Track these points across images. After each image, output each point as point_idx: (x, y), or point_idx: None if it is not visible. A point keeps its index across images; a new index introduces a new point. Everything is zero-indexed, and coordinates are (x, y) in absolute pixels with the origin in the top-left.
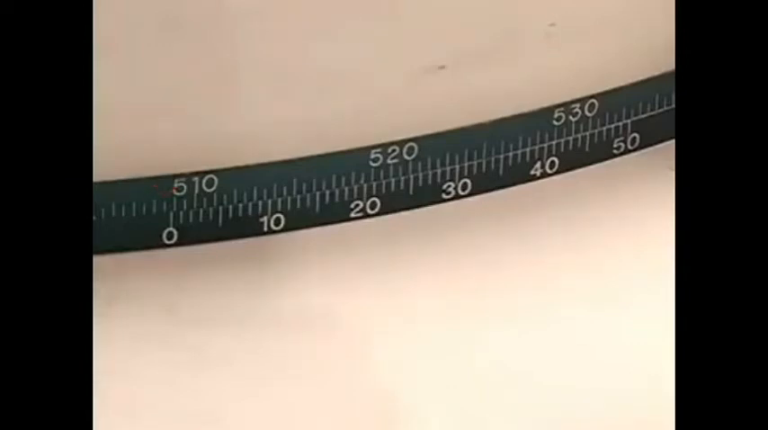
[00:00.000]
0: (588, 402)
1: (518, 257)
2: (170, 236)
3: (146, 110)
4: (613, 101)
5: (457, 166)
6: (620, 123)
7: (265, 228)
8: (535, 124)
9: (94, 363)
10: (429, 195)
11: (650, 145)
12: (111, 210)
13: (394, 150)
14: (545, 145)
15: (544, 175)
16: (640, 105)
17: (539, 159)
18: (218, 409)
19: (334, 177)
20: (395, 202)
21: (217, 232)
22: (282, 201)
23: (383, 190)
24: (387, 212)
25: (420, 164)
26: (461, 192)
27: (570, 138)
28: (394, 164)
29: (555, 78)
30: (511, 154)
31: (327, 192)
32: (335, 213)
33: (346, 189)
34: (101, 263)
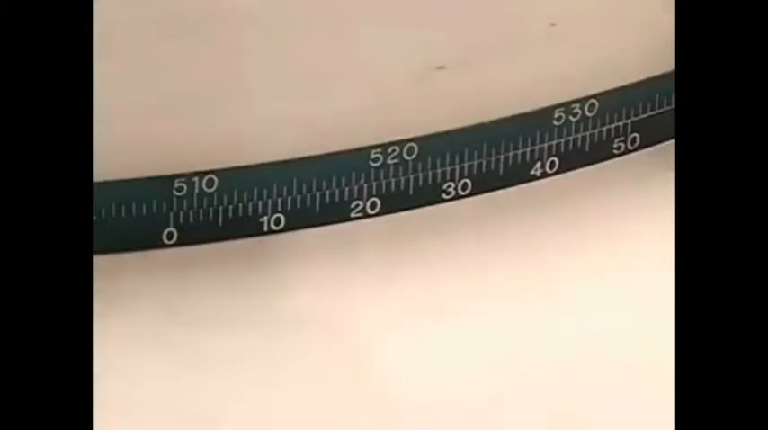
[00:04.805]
0: (589, 401)
1: (518, 257)
2: (170, 236)
3: (146, 110)
4: (613, 101)
5: (457, 166)
6: (620, 123)
7: (265, 228)
8: (535, 124)
9: (94, 363)
10: (429, 195)
11: (650, 145)
12: (111, 210)
13: (394, 150)
14: (545, 145)
15: (544, 175)
16: (640, 105)
17: (539, 159)
18: (218, 409)
19: (334, 177)
20: (395, 202)
21: (217, 232)
22: (282, 201)
23: (383, 190)
24: (387, 212)
25: (420, 164)
26: (461, 192)
27: (570, 138)
28: (394, 164)
29: (555, 78)
30: (511, 154)
31: (327, 192)
32: (335, 213)
33: (346, 189)
34: (101, 263)
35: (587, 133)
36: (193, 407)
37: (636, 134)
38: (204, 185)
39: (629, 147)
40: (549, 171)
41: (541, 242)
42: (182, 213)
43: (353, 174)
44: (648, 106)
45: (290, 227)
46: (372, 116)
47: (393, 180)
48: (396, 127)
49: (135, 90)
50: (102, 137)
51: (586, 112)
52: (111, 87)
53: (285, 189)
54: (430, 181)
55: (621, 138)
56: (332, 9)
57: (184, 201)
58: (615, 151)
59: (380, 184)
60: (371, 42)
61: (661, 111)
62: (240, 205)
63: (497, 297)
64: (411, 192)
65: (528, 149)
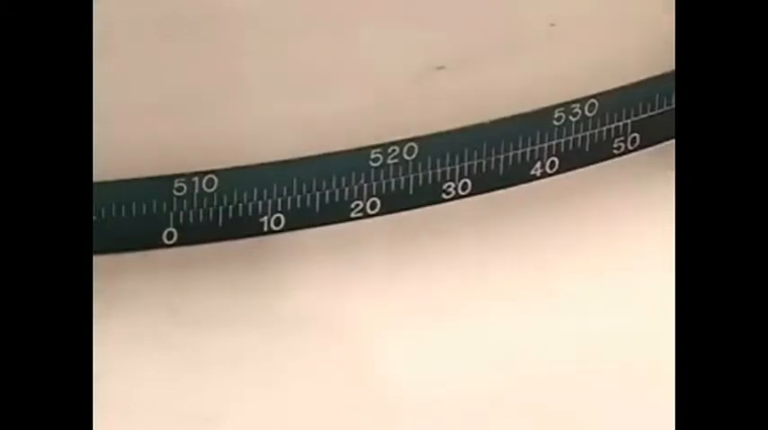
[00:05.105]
0: (589, 401)
1: (518, 257)
2: (170, 236)
3: (146, 110)
4: (613, 101)
5: (457, 166)
6: (620, 123)
7: (265, 228)
8: (535, 124)
9: (94, 363)
10: (429, 195)
11: (650, 145)
12: (111, 210)
13: (394, 150)
14: (545, 145)
15: (544, 175)
16: (640, 105)
17: (539, 159)
18: (218, 409)
19: (334, 177)
20: (395, 202)
21: (217, 232)
22: (282, 201)
23: (383, 190)
24: (387, 212)
25: (420, 164)
26: (461, 192)
27: (570, 138)
28: (394, 164)
29: (555, 78)
30: (511, 154)
31: (327, 192)
32: (335, 213)
33: (346, 189)
34: (101, 263)
35: (587, 133)
36: (193, 407)
37: (636, 134)
38: (204, 185)
39: (629, 147)
40: (549, 171)
41: (541, 242)
42: (182, 213)
43: (353, 174)
44: (648, 106)
45: (290, 227)
46: (372, 116)
47: (393, 180)
48: (396, 127)
49: (135, 90)
50: (102, 137)
51: (586, 112)
52: (111, 87)
53: (285, 189)
54: (430, 181)
55: (621, 138)
56: (332, 9)
57: (184, 201)
58: (615, 151)
59: (380, 184)
60: (371, 42)
61: (661, 111)
62: (240, 205)
63: (497, 297)
64: (411, 192)
65: (528, 149)
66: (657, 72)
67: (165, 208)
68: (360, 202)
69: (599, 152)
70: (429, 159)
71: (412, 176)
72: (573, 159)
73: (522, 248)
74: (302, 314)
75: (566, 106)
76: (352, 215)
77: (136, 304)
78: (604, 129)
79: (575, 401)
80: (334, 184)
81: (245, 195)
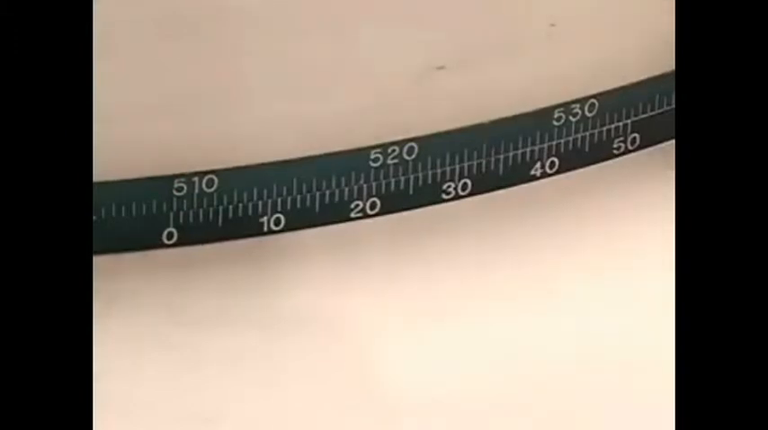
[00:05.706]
0: (589, 401)
1: (518, 257)
2: (170, 236)
3: (146, 110)
4: (613, 101)
5: (457, 166)
6: (620, 123)
7: (265, 228)
8: (535, 124)
9: (94, 363)
10: (429, 195)
11: (650, 145)
12: (111, 210)
13: (394, 150)
14: (545, 145)
15: (544, 175)
16: (640, 105)
17: (539, 159)
18: (218, 409)
19: (334, 177)
20: (395, 202)
21: (217, 232)
22: (282, 201)
23: (383, 190)
24: (387, 212)
25: (420, 164)
26: (461, 192)
27: (570, 139)
28: (394, 164)
29: (555, 78)
30: (511, 154)
31: (327, 192)
32: (335, 213)
33: (346, 189)
34: (101, 263)
35: (587, 133)
36: (193, 407)
37: (636, 134)
38: (204, 185)
39: (629, 147)
40: (549, 171)
41: (541, 242)
42: (182, 213)
43: (353, 174)
44: (648, 106)
45: (290, 227)
46: (372, 116)
47: (393, 180)
48: (396, 127)
49: (135, 90)
50: (102, 137)
51: (586, 112)
52: (111, 87)
53: (285, 189)
54: (430, 181)
55: (621, 139)
56: (332, 9)
57: (184, 201)
58: (615, 151)
59: (380, 184)
60: (371, 42)
61: (661, 111)
62: (240, 205)
63: (497, 297)
64: (411, 192)
65: (528, 149)
66: (657, 72)
67: (165, 208)
68: (360, 202)
69: (599, 152)
70: (429, 159)
71: (412, 176)
72: (573, 159)
73: (522, 248)
74: (302, 314)
75: (566, 106)
76: (352, 215)
77: (136, 304)
78: (604, 129)
79: (575, 401)
80: (334, 184)
81: (245, 195)
